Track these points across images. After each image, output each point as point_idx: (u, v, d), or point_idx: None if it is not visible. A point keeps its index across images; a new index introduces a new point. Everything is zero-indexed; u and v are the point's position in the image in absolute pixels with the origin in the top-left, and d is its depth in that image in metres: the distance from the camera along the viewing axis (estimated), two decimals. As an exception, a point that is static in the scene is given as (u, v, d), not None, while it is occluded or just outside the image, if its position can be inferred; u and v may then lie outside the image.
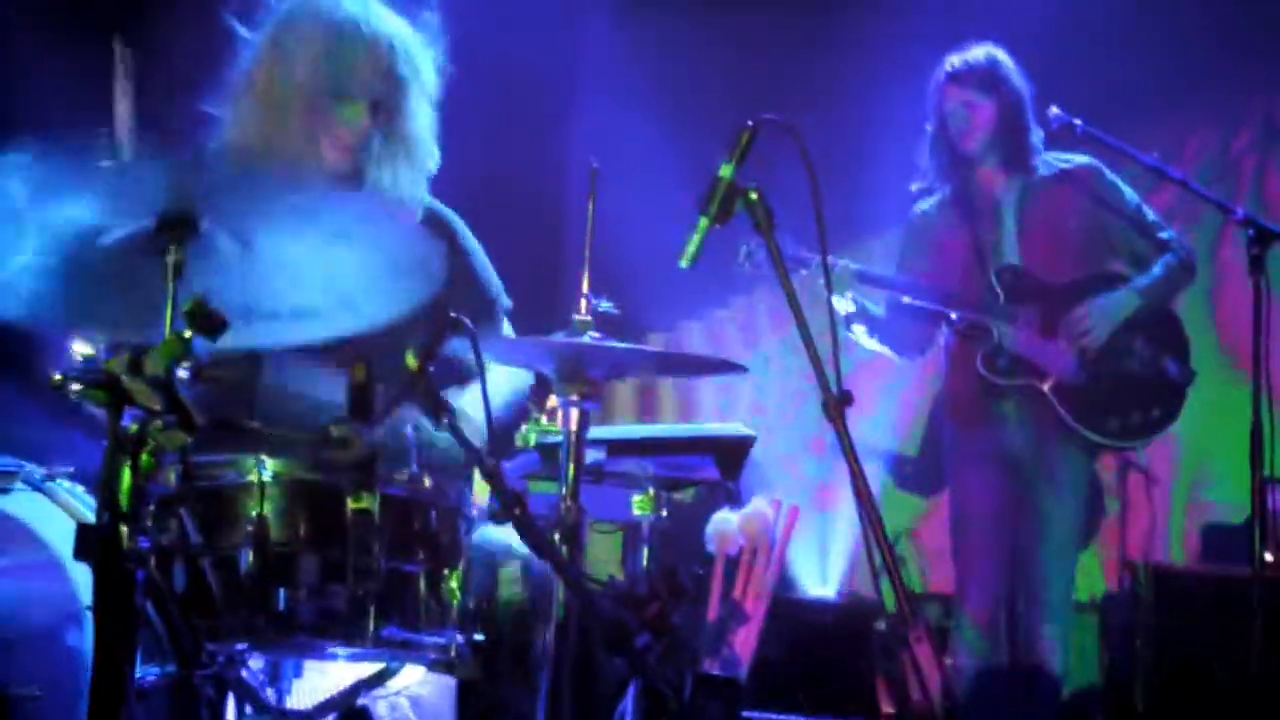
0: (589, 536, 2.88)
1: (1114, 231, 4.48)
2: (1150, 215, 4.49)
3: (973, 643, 4.27)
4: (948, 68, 4.47)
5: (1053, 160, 4.51)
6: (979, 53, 4.46)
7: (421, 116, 3.07)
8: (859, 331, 4.33)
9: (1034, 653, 4.30)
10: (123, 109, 2.98)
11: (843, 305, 4.23)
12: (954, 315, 4.37)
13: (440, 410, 2.33)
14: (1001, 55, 4.47)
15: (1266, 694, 3.91)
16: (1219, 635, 4.60)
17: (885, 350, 4.44)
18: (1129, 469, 5.31)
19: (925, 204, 4.61)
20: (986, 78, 4.42)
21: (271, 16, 3.05)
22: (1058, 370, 4.32)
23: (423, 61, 3.06)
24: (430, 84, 3.09)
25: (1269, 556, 4.66)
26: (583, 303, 2.78)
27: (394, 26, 3.04)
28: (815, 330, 2.46)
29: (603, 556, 3.58)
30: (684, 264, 2.71)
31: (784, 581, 4.51)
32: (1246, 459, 3.80)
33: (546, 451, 3.13)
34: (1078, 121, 4.34)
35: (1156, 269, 4.43)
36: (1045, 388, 4.31)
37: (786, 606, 4.53)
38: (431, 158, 3.11)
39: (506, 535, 2.79)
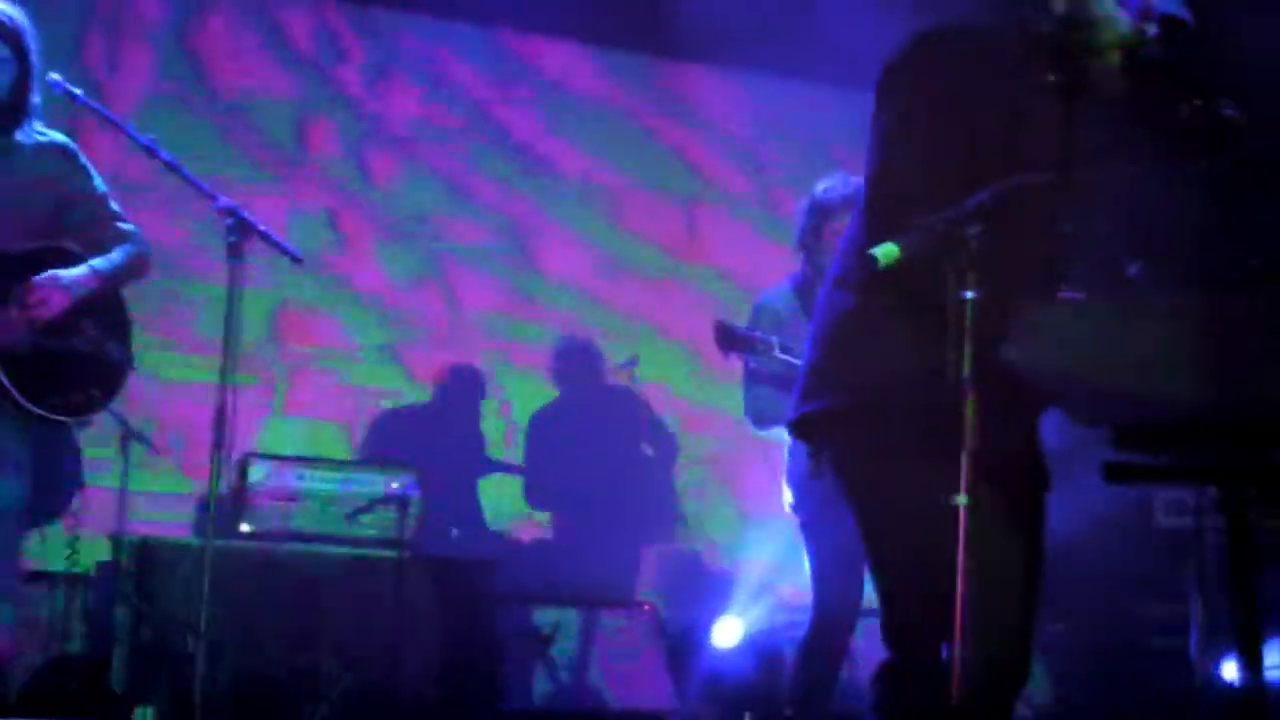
0: None
1: (77, 212, 4.58)
2: (115, 206, 4.67)
3: None
4: None
5: (31, 131, 4.51)
6: None
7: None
8: None
9: None
10: None
11: None
12: None
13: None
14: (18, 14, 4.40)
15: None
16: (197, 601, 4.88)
17: None
18: (131, 441, 5.45)
19: None
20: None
21: None
22: (7, 339, 4.35)
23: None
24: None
25: (245, 527, 5.26)
26: None
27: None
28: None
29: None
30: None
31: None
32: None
33: None
34: (78, 91, 4.42)
35: (117, 255, 4.61)
36: None
37: None
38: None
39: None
